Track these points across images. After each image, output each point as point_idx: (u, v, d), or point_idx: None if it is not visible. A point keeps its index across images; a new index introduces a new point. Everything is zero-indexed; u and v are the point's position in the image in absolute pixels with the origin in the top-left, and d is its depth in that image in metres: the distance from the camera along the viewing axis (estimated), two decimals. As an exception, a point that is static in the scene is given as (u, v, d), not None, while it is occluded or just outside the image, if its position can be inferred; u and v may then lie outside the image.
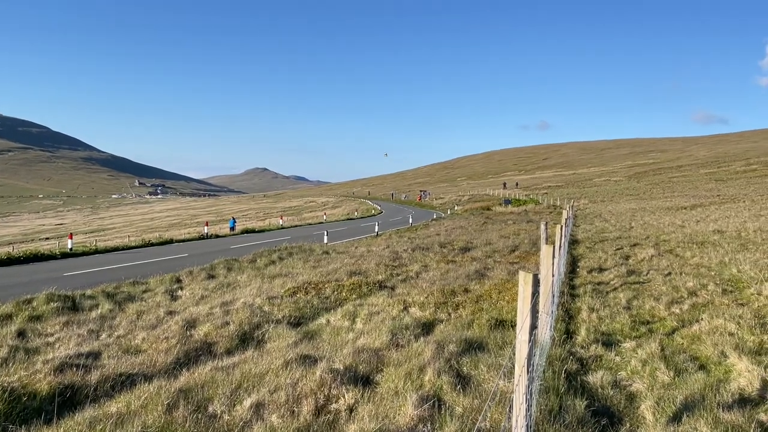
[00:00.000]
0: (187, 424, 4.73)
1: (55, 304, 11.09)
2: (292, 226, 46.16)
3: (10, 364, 7.24)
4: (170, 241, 31.29)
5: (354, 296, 11.48)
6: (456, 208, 69.64)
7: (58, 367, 6.92)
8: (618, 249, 16.50)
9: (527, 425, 3.70)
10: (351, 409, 5.00)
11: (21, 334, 9.15)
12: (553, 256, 7.06)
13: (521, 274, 3.62)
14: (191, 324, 9.27)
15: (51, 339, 8.92)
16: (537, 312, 4.35)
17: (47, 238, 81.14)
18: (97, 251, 25.47)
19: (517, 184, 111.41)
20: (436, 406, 4.83)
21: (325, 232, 28.82)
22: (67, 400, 6.08)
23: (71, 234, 27.78)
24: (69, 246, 25.19)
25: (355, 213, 69.65)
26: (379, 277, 13.59)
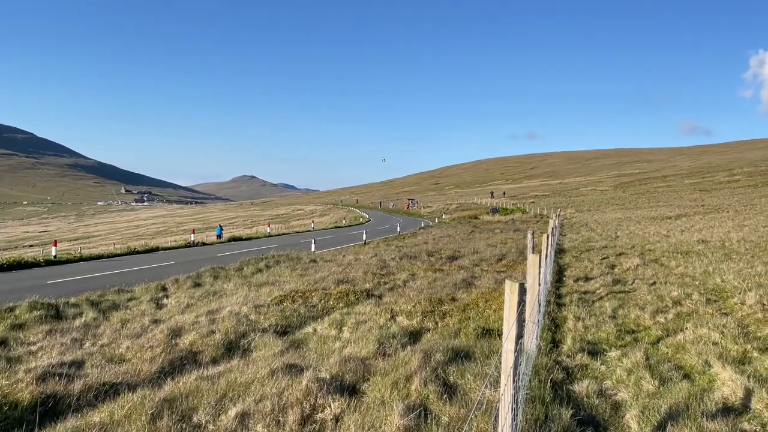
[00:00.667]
0: (170, 434, 4.68)
1: (38, 313, 10.93)
2: (279, 234, 45.99)
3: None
4: (156, 249, 31.03)
5: (341, 305, 11.44)
6: (444, 216, 69.80)
7: (40, 376, 6.83)
8: (604, 258, 16.61)
9: (513, 435, 3.70)
10: (337, 419, 4.97)
11: (2, 342, 9.01)
12: (540, 265, 7.09)
13: (508, 283, 3.63)
14: (176, 333, 9.19)
15: (33, 348, 8.80)
16: (523, 321, 4.36)
17: (31, 246, 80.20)
18: (81, 259, 25.19)
19: (504, 194, 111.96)
20: (423, 415, 4.82)
21: (313, 240, 28.74)
22: (50, 409, 5.99)
23: (55, 241, 27.49)
24: (53, 253, 24.90)
25: (343, 221, 69.58)
26: (367, 285, 13.57)
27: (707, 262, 13.86)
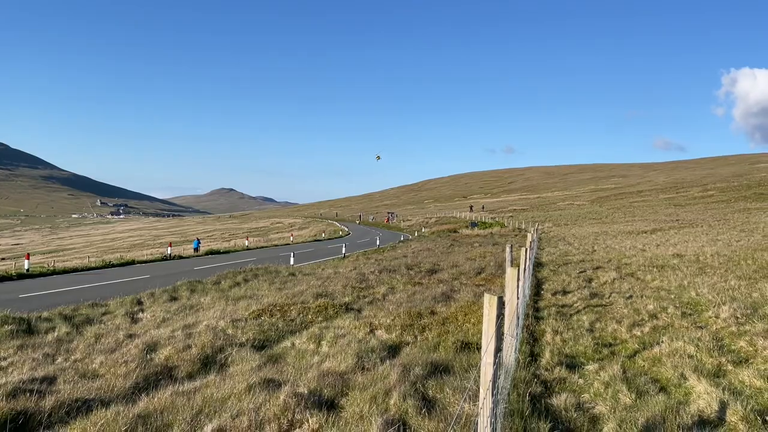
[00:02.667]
0: (144, 452, 4.58)
1: (9, 327, 10.69)
2: (258, 248, 45.66)
3: (-41, 390, 6.94)
4: (132, 262, 30.60)
5: (320, 319, 11.38)
6: (423, 230, 69.94)
7: (10, 392, 6.66)
8: (581, 272, 16.76)
9: (492, 449, 3.69)
10: (315, 434, 4.92)
11: (-31, 359, 8.78)
12: (518, 279, 7.13)
13: (486, 297, 3.64)
14: (152, 347, 9.05)
15: (4, 363, 8.60)
16: (502, 334, 4.37)
17: (2, 259, 78.47)
18: (55, 272, 24.74)
19: (483, 207, 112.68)
20: (401, 430, 4.79)
21: (292, 254, 28.60)
22: (20, 426, 5.83)
23: (28, 254, 26.94)
24: (26, 266, 24.41)
25: (323, 234, 69.34)
26: (346, 299, 13.51)
27: (682, 275, 14.06)
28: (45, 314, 12.18)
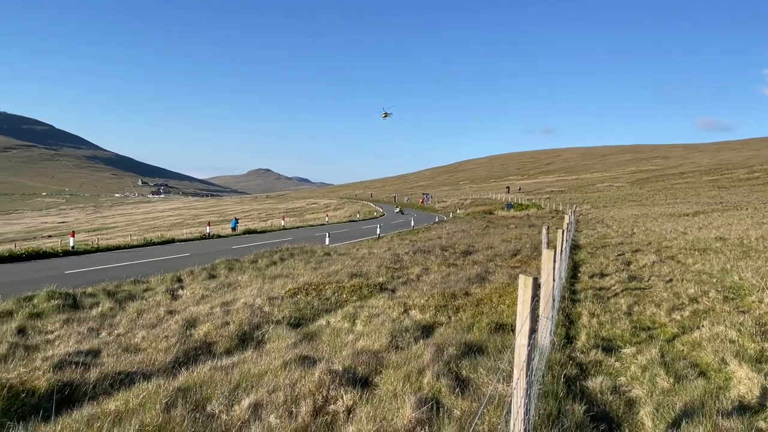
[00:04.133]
0: (185, 423, 4.72)
1: (56, 302, 11.08)
2: (293, 228, 46.16)
3: (10, 361, 7.25)
4: (172, 241, 31.30)
5: (354, 298, 11.48)
6: (458, 211, 69.62)
7: (57, 364, 6.93)
8: (620, 255, 16.47)
9: (525, 429, 3.69)
10: (349, 411, 4.99)
11: (21, 331, 9.15)
12: (555, 261, 7.04)
13: (521, 278, 3.61)
14: (191, 323, 9.28)
15: (51, 336, 8.92)
16: (537, 316, 4.34)
17: (49, 236, 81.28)
18: (98, 249, 25.48)
19: (519, 189, 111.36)
20: (435, 408, 4.82)
21: (327, 234, 28.83)
22: (66, 397, 6.08)
23: (73, 232, 27.81)
24: (71, 244, 25.21)
25: (357, 215, 69.63)
26: (380, 279, 13.58)
27: (725, 259, 13.69)
28: (89, 290, 12.58)
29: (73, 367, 6.80)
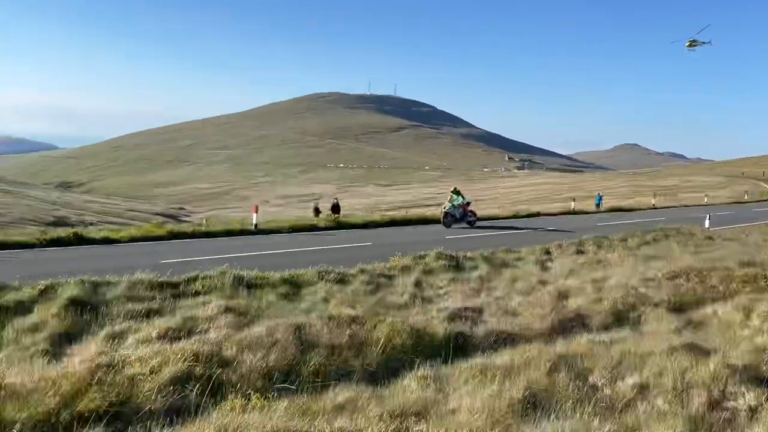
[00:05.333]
0: (569, 389, 4.87)
1: (442, 262, 12.54)
2: (664, 207, 42.57)
3: (412, 308, 8.53)
4: (537, 214, 32.28)
5: (748, 289, 10.05)
6: None
7: (449, 316, 7.89)
8: None
9: None
10: (752, 411, 4.44)
11: (418, 283, 10.64)
12: None
13: None
14: (563, 295, 9.44)
15: (440, 291, 10.15)
16: None
17: (429, 205, 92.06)
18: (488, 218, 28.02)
19: None
20: None
21: (707, 216, 25.77)
22: (456, 346, 6.88)
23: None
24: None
25: (745, 196, 60.09)
26: (782, 271, 11.56)
27: None
28: (469, 254, 13.85)
29: (462, 320, 7.66)
